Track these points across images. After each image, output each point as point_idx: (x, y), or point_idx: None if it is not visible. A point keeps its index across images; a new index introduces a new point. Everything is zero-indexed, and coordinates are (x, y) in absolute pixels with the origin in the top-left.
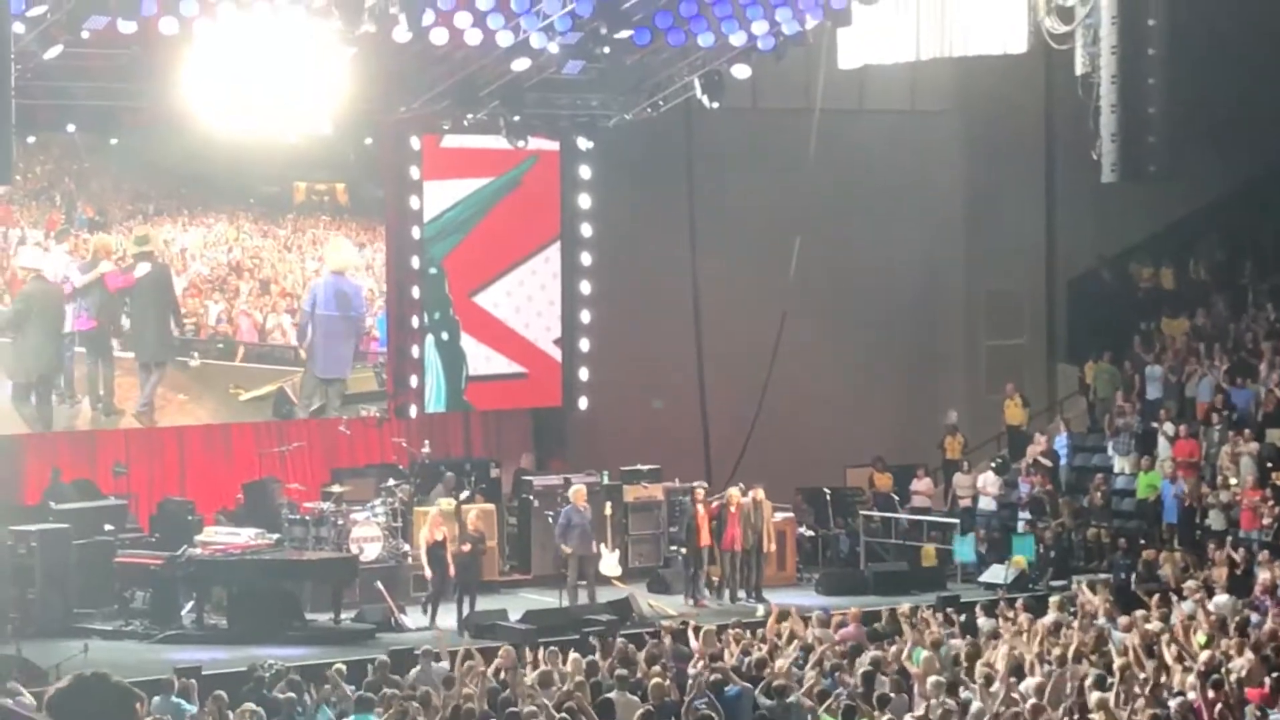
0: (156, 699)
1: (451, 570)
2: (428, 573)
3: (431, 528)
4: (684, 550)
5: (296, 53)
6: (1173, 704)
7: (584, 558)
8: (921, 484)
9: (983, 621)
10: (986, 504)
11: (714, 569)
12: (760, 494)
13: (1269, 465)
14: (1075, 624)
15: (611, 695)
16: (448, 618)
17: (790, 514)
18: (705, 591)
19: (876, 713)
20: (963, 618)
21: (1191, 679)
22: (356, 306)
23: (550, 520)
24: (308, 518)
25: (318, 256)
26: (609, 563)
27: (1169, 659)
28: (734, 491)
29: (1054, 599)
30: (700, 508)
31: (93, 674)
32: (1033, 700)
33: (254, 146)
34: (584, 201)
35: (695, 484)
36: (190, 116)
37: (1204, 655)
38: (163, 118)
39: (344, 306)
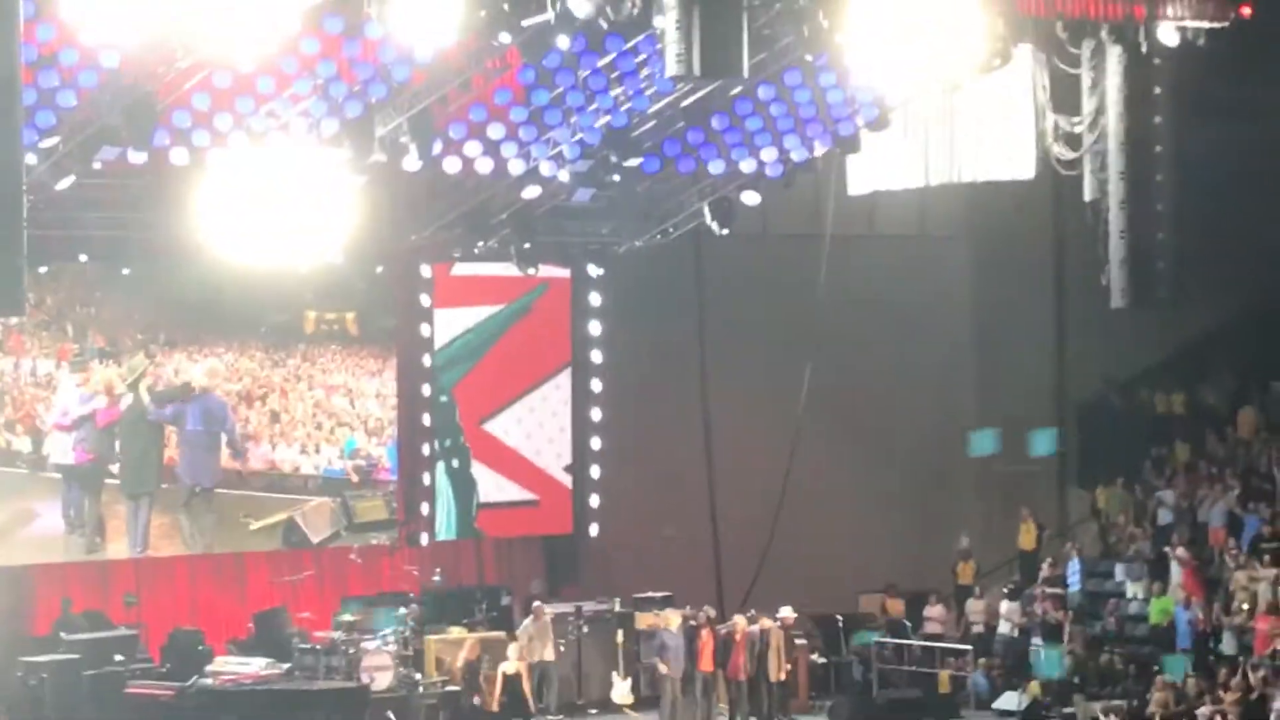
0: None
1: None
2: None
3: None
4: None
5: (307, 182)
6: None
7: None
8: (934, 610)
9: None
10: (1005, 629)
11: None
12: (769, 623)
13: None
14: None
15: None
16: None
17: (804, 641)
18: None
19: None
20: None
21: None
22: (219, 421)
23: (560, 648)
24: (319, 647)
25: (324, 385)
26: (620, 691)
27: None
28: (739, 619)
29: None
30: (703, 632)
31: None
32: None
33: (264, 275)
34: (594, 328)
35: (699, 610)
36: (201, 246)
37: None
38: (174, 247)
39: (209, 422)
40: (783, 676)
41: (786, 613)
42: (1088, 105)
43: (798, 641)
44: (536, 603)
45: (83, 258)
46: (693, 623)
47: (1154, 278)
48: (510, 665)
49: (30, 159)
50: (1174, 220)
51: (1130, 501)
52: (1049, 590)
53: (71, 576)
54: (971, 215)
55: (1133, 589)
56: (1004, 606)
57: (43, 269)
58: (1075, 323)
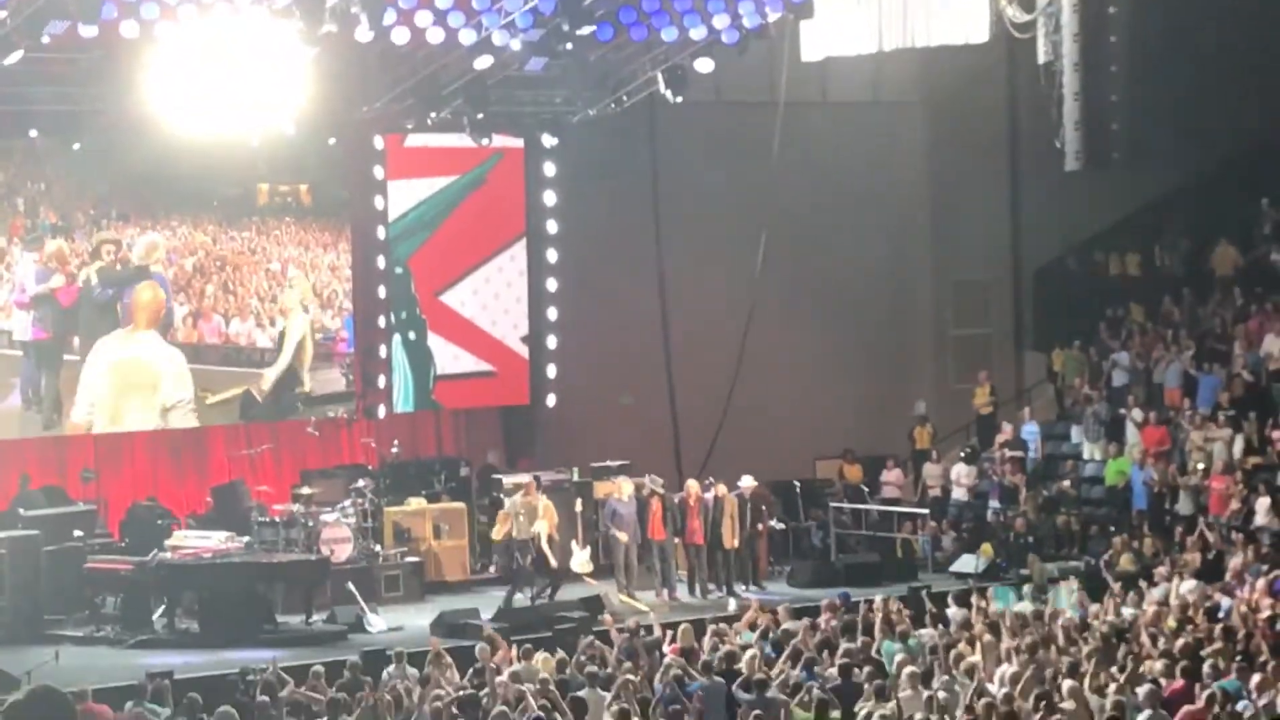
0: (130, 704)
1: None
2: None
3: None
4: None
5: (258, 54)
6: (1141, 690)
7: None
8: (891, 474)
9: (953, 612)
10: (959, 494)
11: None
12: (723, 490)
13: (1239, 450)
14: (1046, 612)
15: (582, 693)
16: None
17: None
18: (677, 586)
19: (861, 703)
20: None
21: (1161, 665)
22: None
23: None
24: (278, 520)
25: (281, 258)
26: (579, 559)
27: (1141, 645)
28: (692, 484)
29: (1025, 588)
30: (653, 501)
31: (41, 687)
32: (1005, 690)
33: (217, 149)
34: (549, 198)
35: (646, 478)
36: (153, 120)
37: (1177, 642)
38: (125, 122)
39: None
40: (735, 544)
41: (747, 482)
42: None
43: (763, 509)
44: (529, 478)
45: (33, 133)
46: (644, 492)
47: (1108, 140)
48: (498, 532)
49: None
50: (1127, 82)
51: (1086, 364)
52: (1008, 453)
53: (29, 452)
54: (926, 81)
55: (1089, 450)
56: (961, 470)
57: None
58: (1030, 186)
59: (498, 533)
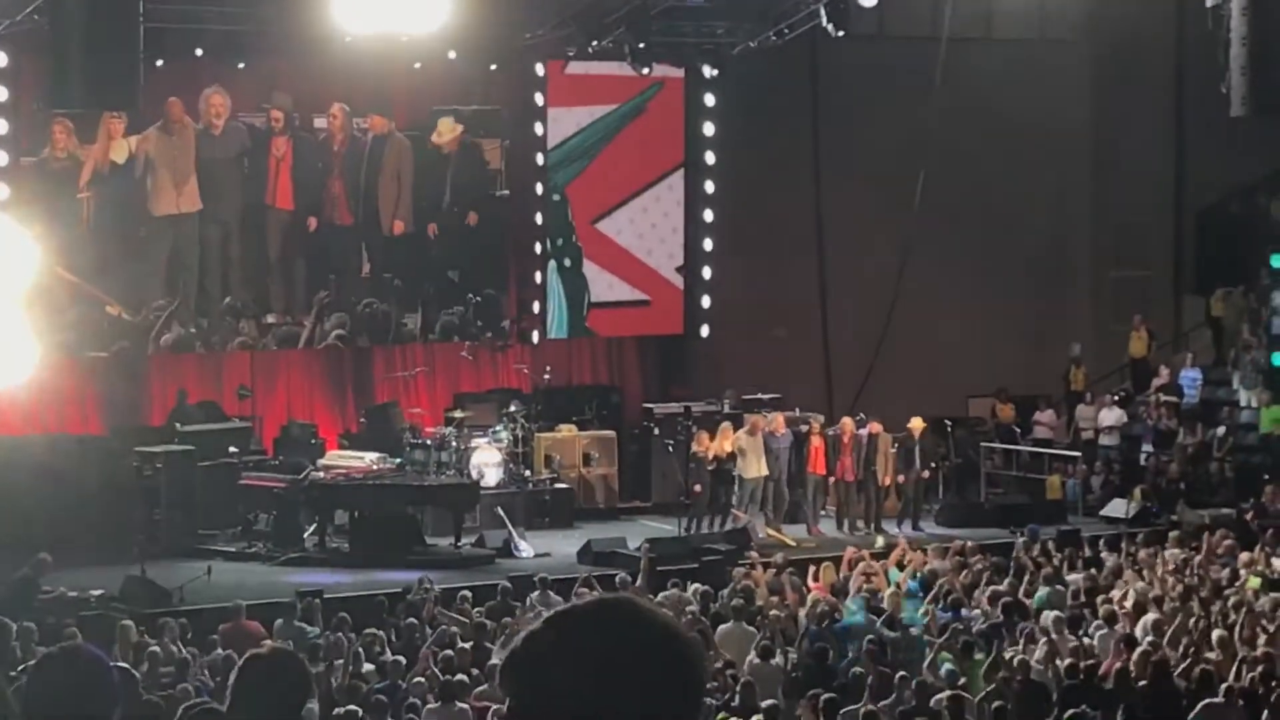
0: (279, 622)
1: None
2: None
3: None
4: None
5: None
6: None
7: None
8: (1044, 415)
9: (1105, 556)
10: (1109, 439)
11: (833, 499)
12: (878, 427)
13: None
14: (1197, 560)
15: (728, 626)
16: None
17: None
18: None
19: (1003, 646)
20: (1086, 552)
21: None
22: None
23: (669, 449)
24: (429, 442)
25: None
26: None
27: None
28: (848, 421)
29: (1174, 534)
30: (814, 438)
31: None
32: (1151, 637)
33: (378, 73)
34: (708, 129)
35: (810, 415)
36: (316, 42)
37: None
38: (289, 43)
39: None
40: (888, 482)
41: (915, 423)
42: None
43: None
44: (754, 418)
45: (199, 52)
46: (803, 427)
47: (1275, 85)
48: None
49: None
50: None
51: (1246, 309)
52: (1164, 398)
53: (187, 368)
54: (1091, 20)
55: (1246, 397)
56: (1114, 414)
57: (159, 62)
58: (1195, 129)
59: (708, 447)
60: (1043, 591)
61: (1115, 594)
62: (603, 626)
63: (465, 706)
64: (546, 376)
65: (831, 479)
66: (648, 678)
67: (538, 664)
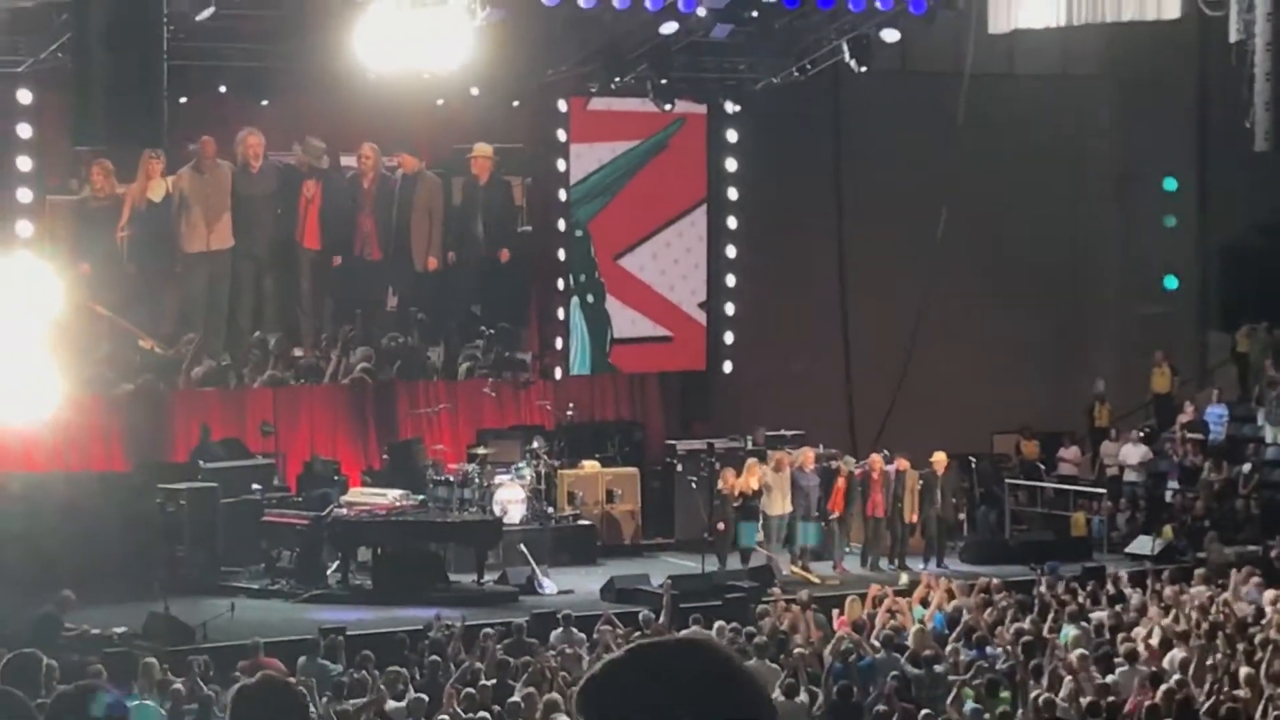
0: (302, 659)
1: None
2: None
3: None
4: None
5: (445, 16)
6: None
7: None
8: (1069, 452)
9: (1129, 593)
10: (1133, 475)
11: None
12: (905, 464)
13: None
14: (1224, 597)
15: (751, 663)
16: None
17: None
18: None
19: (1026, 683)
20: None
21: None
22: None
23: (692, 485)
24: (452, 479)
25: None
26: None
27: None
28: (876, 457)
29: (1200, 571)
30: (840, 478)
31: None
32: (1178, 675)
33: (400, 110)
34: (730, 165)
35: (834, 452)
36: (340, 78)
37: None
38: (312, 80)
39: None
40: (914, 519)
41: (939, 458)
42: None
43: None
44: (779, 454)
45: (222, 89)
46: (832, 464)
47: None
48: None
49: None
50: None
51: (1272, 344)
52: (1189, 434)
53: (211, 404)
54: (1114, 55)
55: (1271, 433)
56: (1139, 450)
57: (182, 99)
58: (1218, 164)
59: (733, 485)
60: (1067, 629)
61: (1140, 631)
62: (682, 659)
63: None
64: (569, 413)
65: (847, 516)
66: (721, 710)
67: (618, 690)
